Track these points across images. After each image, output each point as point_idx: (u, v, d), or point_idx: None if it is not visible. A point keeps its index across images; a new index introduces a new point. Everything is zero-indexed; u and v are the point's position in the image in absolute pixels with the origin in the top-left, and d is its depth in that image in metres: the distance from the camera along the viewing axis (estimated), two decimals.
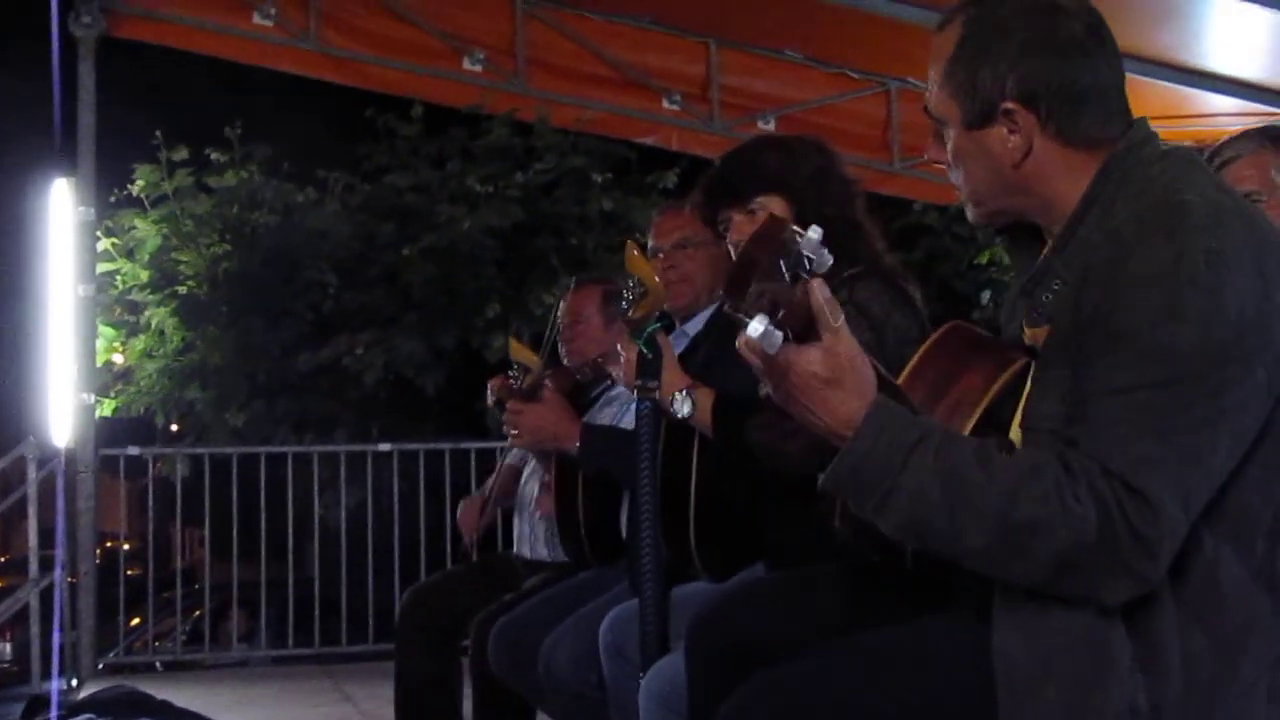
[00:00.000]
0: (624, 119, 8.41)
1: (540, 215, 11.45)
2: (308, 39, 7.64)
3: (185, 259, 11.10)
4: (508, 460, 5.21)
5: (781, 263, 1.92)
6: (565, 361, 4.73)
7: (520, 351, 4.51)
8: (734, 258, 2.00)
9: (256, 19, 7.53)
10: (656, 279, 3.50)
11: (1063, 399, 2.02)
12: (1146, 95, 6.95)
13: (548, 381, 4.36)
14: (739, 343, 2.00)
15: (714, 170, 3.45)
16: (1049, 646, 2.02)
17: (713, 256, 3.89)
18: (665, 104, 8.16)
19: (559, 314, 4.87)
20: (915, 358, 2.30)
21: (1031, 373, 2.15)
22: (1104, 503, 1.90)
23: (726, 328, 2.06)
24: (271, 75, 8.40)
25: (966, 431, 2.15)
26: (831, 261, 1.94)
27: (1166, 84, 7.24)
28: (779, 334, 1.94)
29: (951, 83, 2.21)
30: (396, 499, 8.55)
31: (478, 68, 7.87)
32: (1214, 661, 1.97)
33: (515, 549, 5.00)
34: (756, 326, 1.91)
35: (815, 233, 1.93)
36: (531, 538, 4.87)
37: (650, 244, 4.08)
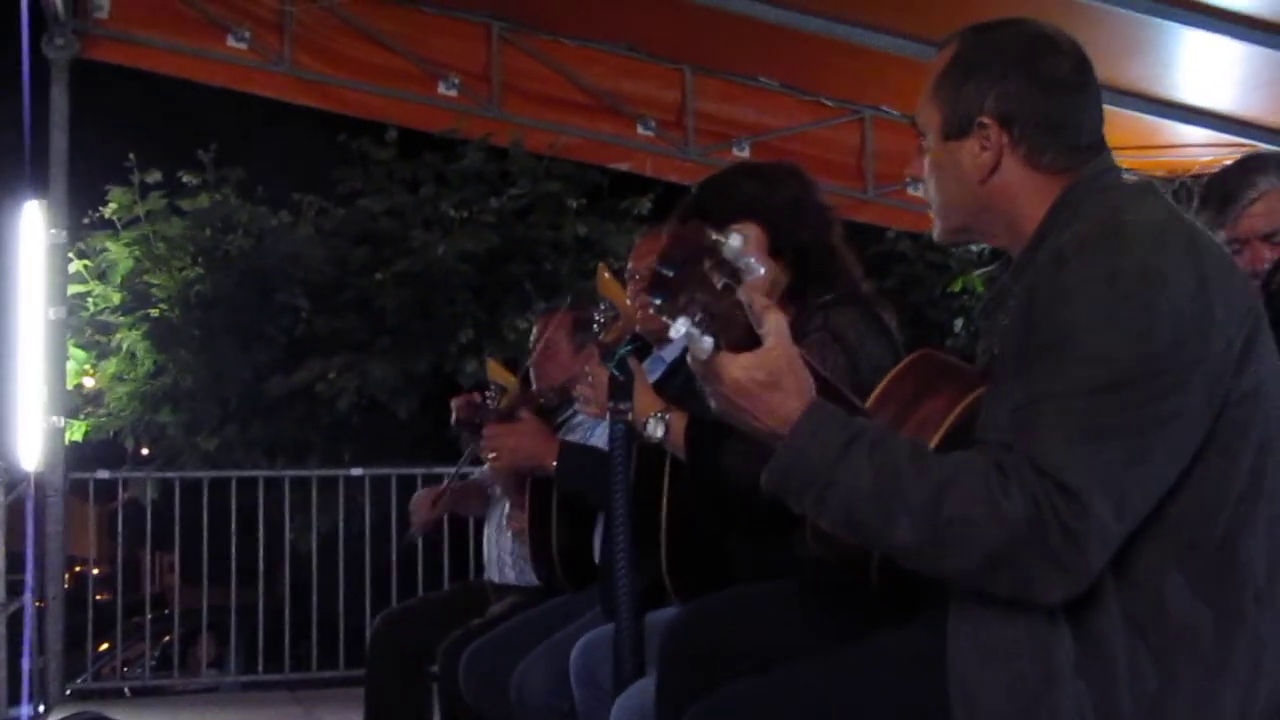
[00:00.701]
0: (598, 144, 8.42)
1: (514, 240, 11.43)
2: (282, 63, 7.64)
3: (157, 282, 11.05)
4: (474, 478, 5.22)
5: (712, 270, 1.95)
6: (533, 387, 4.73)
7: (498, 372, 4.50)
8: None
9: (231, 42, 7.52)
10: (629, 302, 3.50)
11: (1010, 409, 2.06)
12: (1117, 125, 6.97)
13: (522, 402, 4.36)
14: (689, 358, 2.05)
15: (690, 197, 3.46)
16: (995, 652, 2.05)
17: None
18: (640, 130, 8.18)
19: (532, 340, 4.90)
20: (884, 382, 2.34)
21: (986, 389, 2.19)
22: (1034, 499, 1.94)
23: None
24: (245, 99, 8.40)
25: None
26: (762, 270, 1.98)
27: (1137, 114, 7.28)
28: (708, 339, 1.98)
29: (939, 93, 2.31)
30: (368, 524, 8.52)
31: (452, 92, 7.87)
32: (1156, 673, 2.00)
33: (486, 573, 5.00)
34: (679, 328, 1.96)
35: (735, 239, 1.97)
36: (500, 561, 4.86)
37: (628, 267, 4.09)
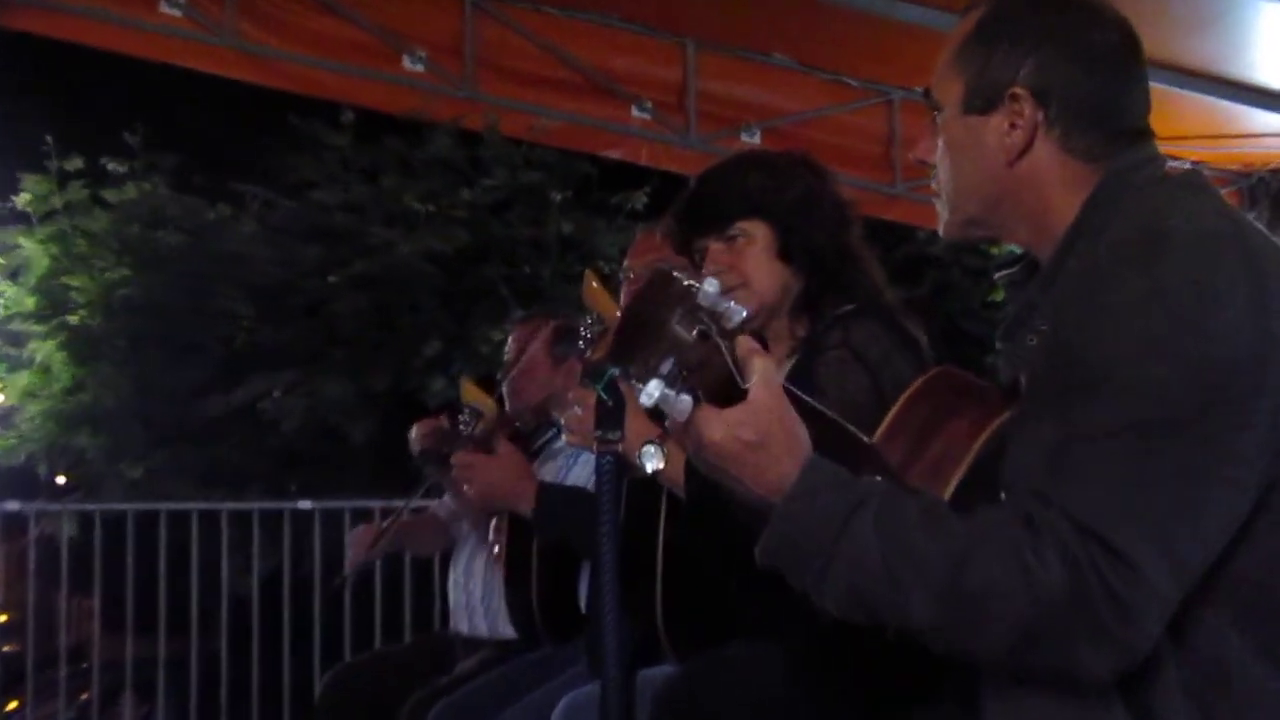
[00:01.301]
0: (586, 130, 8.39)
1: (489, 239, 11.44)
2: (222, 33, 7.62)
3: (77, 284, 11.05)
4: (432, 510, 5.21)
5: (685, 320, 1.94)
6: (506, 407, 4.73)
7: (474, 393, 4.48)
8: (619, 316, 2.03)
9: (164, 9, 7.50)
10: (619, 314, 3.50)
11: (1043, 452, 2.02)
12: (1184, 111, 6.96)
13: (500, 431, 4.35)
14: (666, 424, 2.03)
15: (689, 191, 3.47)
16: None
17: None
18: (634, 113, 8.15)
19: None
20: (895, 408, 2.33)
21: (1013, 424, 2.17)
22: (1075, 562, 1.89)
23: None
24: (180, 75, 8.37)
25: (950, 490, 2.17)
26: (745, 313, 1.97)
27: (1206, 98, 7.26)
28: (686, 398, 1.99)
29: (961, 59, 2.29)
30: (318, 565, 8.50)
31: (418, 68, 7.85)
32: None
33: (452, 624, 4.99)
34: (651, 392, 1.95)
35: (711, 285, 1.97)
36: (469, 610, 4.85)
37: (624, 265, 4.09)
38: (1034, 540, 1.91)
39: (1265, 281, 1.99)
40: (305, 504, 8.83)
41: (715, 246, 3.35)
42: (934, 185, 2.38)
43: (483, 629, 4.80)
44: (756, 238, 3.33)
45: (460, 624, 4.91)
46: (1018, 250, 2.41)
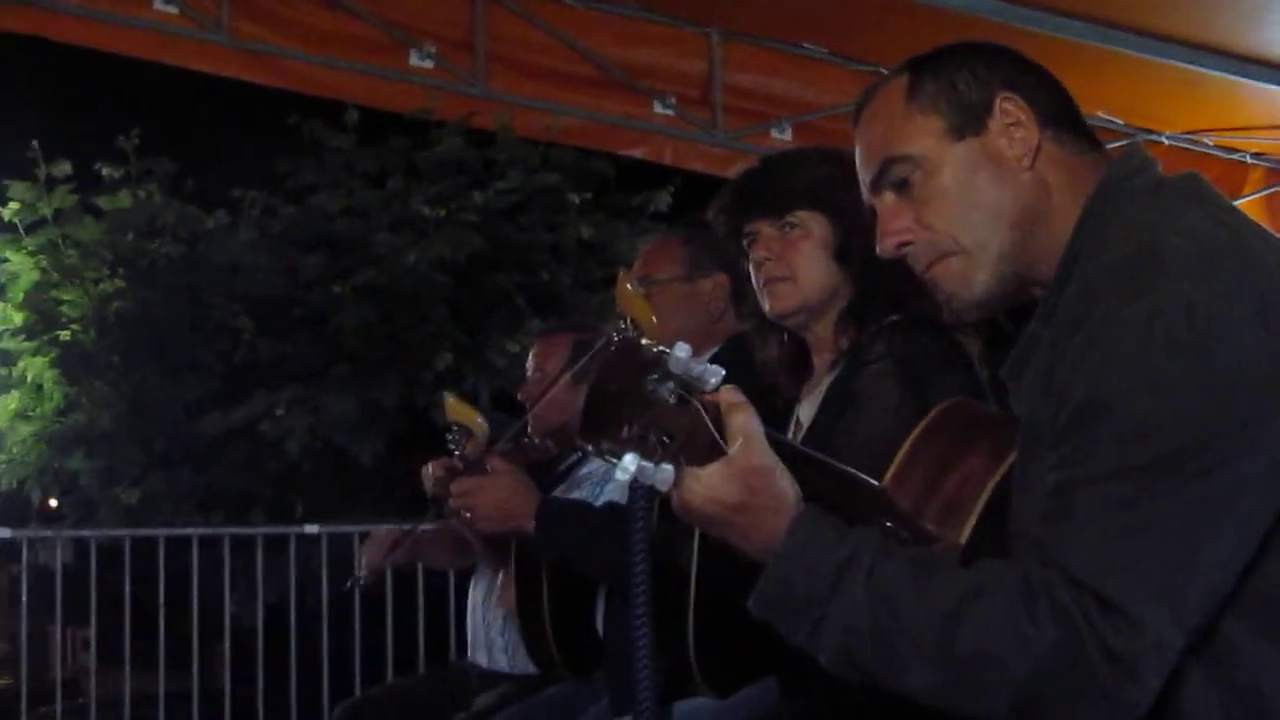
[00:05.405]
0: (606, 127, 8.36)
1: (502, 244, 11.42)
2: (219, 30, 7.61)
3: (68, 298, 11.07)
4: (453, 524, 5.14)
5: (658, 386, 1.94)
6: (529, 428, 4.67)
7: (458, 410, 4.32)
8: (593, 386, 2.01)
9: (158, 6, 7.48)
10: (654, 319, 3.45)
11: (1043, 497, 2.02)
12: (1245, 101, 6.87)
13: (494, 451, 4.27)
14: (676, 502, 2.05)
15: (751, 169, 3.47)
16: None
17: (683, 296, 3.92)
18: (657, 109, 8.12)
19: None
20: (907, 445, 2.32)
21: (1017, 465, 2.17)
22: (1069, 620, 1.89)
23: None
24: (175, 75, 8.38)
25: (968, 527, 2.16)
26: (723, 372, 1.96)
27: (1225, 76, 7.08)
28: (668, 468, 1.97)
29: (922, 102, 2.28)
30: (325, 593, 8.50)
31: (427, 64, 7.82)
32: None
33: (470, 656, 4.96)
34: (628, 466, 1.94)
35: (681, 349, 1.96)
36: (489, 643, 4.81)
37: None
38: (1029, 601, 1.92)
39: (1264, 288, 1.97)
40: (312, 528, 8.81)
41: (768, 232, 3.32)
42: (924, 260, 2.35)
43: (503, 663, 4.75)
44: (813, 231, 3.28)
45: (479, 656, 4.87)
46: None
